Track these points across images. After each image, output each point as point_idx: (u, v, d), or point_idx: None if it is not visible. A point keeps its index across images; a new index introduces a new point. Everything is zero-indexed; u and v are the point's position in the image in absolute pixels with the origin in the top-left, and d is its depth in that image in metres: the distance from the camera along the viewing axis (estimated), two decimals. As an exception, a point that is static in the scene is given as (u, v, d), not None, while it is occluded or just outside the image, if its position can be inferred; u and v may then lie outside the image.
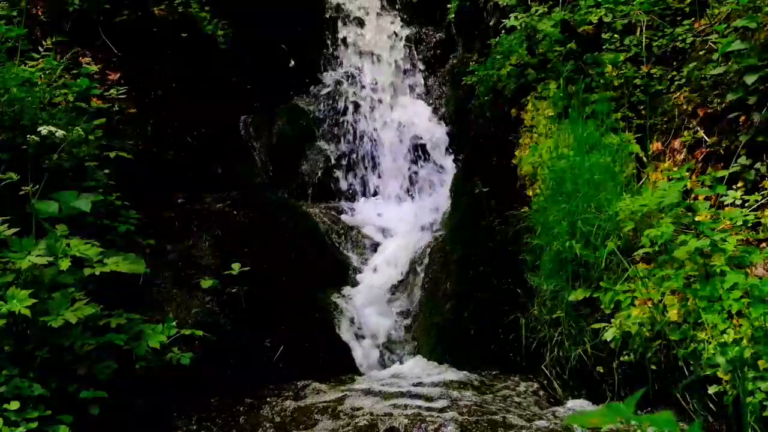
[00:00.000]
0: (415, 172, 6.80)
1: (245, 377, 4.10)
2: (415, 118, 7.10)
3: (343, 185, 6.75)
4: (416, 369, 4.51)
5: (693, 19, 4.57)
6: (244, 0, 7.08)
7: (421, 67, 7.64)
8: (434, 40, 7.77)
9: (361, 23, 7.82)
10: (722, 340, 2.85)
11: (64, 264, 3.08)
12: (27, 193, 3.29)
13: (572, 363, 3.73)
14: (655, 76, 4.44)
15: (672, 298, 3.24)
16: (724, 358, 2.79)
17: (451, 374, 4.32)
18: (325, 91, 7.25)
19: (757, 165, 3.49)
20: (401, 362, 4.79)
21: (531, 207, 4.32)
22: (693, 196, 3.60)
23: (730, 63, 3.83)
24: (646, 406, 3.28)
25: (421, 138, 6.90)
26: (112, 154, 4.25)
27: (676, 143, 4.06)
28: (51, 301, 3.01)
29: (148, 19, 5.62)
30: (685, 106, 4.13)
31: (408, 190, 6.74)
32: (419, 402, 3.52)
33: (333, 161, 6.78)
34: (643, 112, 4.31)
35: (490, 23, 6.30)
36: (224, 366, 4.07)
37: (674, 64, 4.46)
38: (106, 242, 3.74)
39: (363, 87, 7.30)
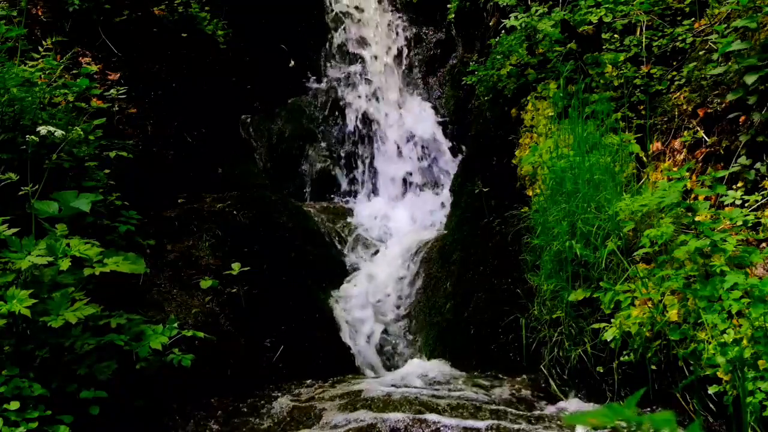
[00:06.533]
0: (415, 172, 6.80)
1: (245, 377, 4.10)
2: (414, 118, 7.11)
3: (343, 185, 6.75)
4: (416, 369, 4.51)
5: (693, 19, 4.57)
6: (244, 0, 7.09)
7: (421, 67, 7.65)
8: (434, 40, 7.78)
9: (361, 23, 7.82)
10: (722, 340, 2.85)
11: (64, 264, 3.07)
12: (27, 193, 3.29)
13: (572, 363, 3.73)
14: (655, 76, 4.44)
15: (672, 298, 3.24)
16: (724, 358, 2.79)
17: (451, 374, 4.33)
18: (324, 90, 7.25)
19: (757, 165, 3.49)
20: (401, 362, 4.79)
21: (531, 207, 4.32)
22: (693, 196, 3.60)
23: (730, 63, 3.83)
24: (646, 406, 3.28)
25: (421, 138, 6.91)
26: (112, 154, 4.25)
27: (676, 143, 4.05)
28: (51, 301, 3.01)
29: (148, 19, 5.62)
30: (685, 106, 4.13)
31: (407, 190, 6.75)
32: (419, 402, 3.52)
33: (333, 161, 6.79)
34: (643, 112, 4.31)
35: (490, 23, 6.30)
36: (224, 366, 4.07)
37: (674, 64, 4.46)
38: (106, 242, 3.74)
39: (363, 87, 7.30)
